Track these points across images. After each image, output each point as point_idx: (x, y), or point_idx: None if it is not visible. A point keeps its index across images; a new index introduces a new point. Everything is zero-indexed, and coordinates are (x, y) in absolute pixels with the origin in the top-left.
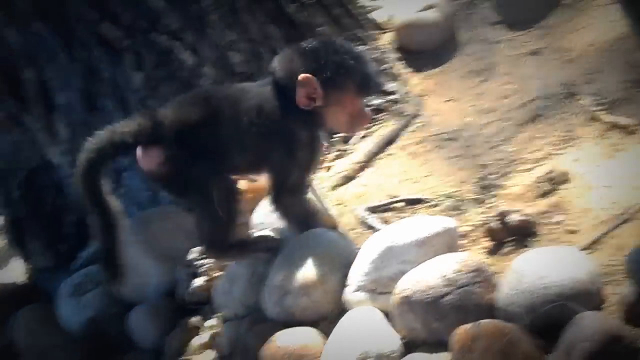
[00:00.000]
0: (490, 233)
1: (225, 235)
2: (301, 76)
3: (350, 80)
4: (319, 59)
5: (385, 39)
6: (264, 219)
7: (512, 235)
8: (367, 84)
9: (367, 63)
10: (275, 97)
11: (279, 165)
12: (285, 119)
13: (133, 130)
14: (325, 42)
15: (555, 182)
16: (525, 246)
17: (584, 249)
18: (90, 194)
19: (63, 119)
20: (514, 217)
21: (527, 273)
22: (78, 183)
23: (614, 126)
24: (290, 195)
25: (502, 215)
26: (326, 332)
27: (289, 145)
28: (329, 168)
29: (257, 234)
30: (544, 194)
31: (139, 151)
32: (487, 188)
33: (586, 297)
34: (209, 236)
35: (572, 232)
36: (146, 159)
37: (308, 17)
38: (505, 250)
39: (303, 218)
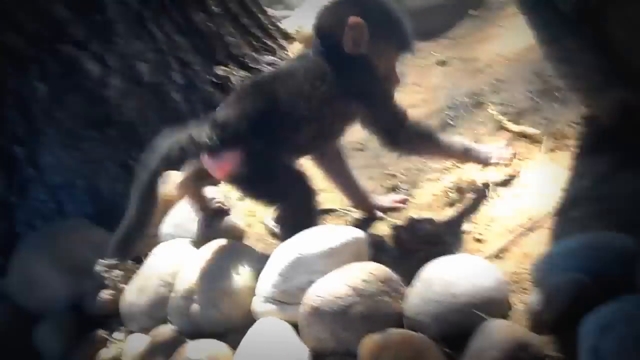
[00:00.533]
0: (400, 243)
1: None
2: (351, 19)
3: (394, 34)
4: (367, 7)
5: (295, 49)
6: (174, 230)
7: (422, 245)
8: (407, 42)
9: (407, 24)
10: (324, 53)
11: (370, 104)
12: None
13: (202, 138)
14: None
15: (463, 191)
16: (435, 255)
17: (491, 257)
18: (146, 202)
19: None
20: (423, 226)
21: (435, 282)
22: (138, 189)
23: (521, 135)
24: (403, 129)
25: (411, 224)
26: (234, 345)
27: (362, 84)
28: None
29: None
30: (452, 204)
31: (208, 161)
32: None
33: (493, 305)
34: (301, 221)
35: (479, 240)
36: (221, 165)
37: (216, 27)
38: (415, 259)
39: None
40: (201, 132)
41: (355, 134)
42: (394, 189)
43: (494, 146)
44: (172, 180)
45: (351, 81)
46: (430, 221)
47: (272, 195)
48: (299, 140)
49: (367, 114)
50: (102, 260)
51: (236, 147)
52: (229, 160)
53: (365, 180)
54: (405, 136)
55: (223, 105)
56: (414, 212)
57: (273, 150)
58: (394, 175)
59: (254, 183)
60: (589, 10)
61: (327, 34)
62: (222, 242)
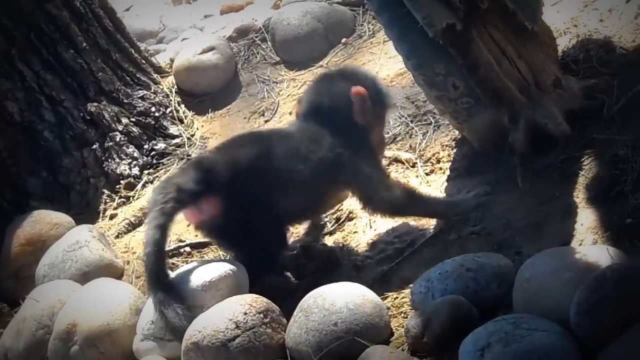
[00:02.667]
0: (297, 267)
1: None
2: (355, 89)
3: (385, 101)
4: (362, 77)
5: (168, 82)
6: (49, 270)
7: (319, 266)
8: (390, 99)
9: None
10: (323, 123)
11: (358, 178)
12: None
13: (189, 185)
14: (353, 67)
15: (342, 219)
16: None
17: (370, 284)
18: (157, 269)
19: None
20: (317, 249)
21: (315, 311)
22: (149, 251)
23: (396, 160)
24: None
25: (306, 248)
26: None
27: (355, 157)
28: (112, 216)
29: None
30: (331, 232)
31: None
32: None
33: (374, 331)
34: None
35: (358, 267)
36: (196, 211)
37: (87, 63)
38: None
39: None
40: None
41: None
42: None
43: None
44: (44, 220)
45: (348, 149)
46: (323, 244)
47: (242, 249)
48: (286, 205)
49: (356, 182)
50: None
51: (216, 194)
52: (206, 207)
53: None
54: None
55: (213, 149)
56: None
57: (257, 209)
58: None
59: (229, 237)
60: (455, 33)
61: (325, 104)
62: (101, 280)
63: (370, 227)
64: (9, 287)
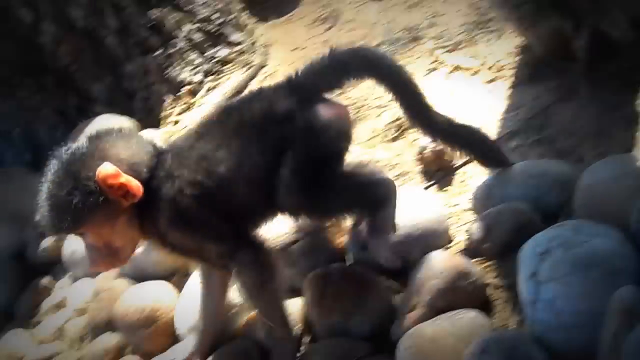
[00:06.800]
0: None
1: None
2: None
3: None
4: None
5: None
6: None
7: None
8: None
9: None
10: None
11: None
12: None
13: None
14: None
15: (403, 127)
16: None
17: (429, 187)
18: None
19: None
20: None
21: None
22: None
23: (458, 68)
24: None
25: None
26: (179, 287)
27: None
28: (176, 122)
29: None
30: (394, 139)
31: None
32: None
33: (434, 236)
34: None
35: (422, 173)
36: None
37: None
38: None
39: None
40: None
41: None
42: None
43: None
44: (108, 125)
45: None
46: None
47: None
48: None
49: None
50: None
51: None
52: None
53: None
54: None
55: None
56: (357, 147)
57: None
58: None
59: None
60: None
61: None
62: None
63: None
64: None
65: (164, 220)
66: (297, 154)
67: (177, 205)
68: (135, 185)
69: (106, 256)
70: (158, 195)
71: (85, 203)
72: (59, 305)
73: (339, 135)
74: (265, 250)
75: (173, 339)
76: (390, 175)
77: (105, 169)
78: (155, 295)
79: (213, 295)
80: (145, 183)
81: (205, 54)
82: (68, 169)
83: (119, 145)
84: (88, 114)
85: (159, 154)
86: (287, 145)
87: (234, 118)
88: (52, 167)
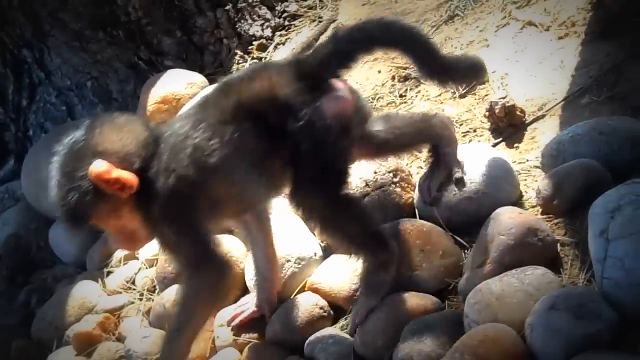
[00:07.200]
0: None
1: None
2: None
3: None
4: None
5: None
6: None
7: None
8: None
9: None
10: None
11: None
12: None
13: None
14: None
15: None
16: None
17: (498, 143)
18: None
19: None
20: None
21: None
22: None
23: (529, 24)
24: None
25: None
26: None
27: None
28: None
29: None
30: (464, 95)
31: None
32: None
33: (503, 192)
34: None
35: (490, 129)
36: None
37: None
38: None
39: None
40: None
41: None
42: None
43: None
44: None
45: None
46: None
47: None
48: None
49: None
50: None
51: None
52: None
53: (375, 73)
54: None
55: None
56: (426, 103)
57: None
58: (404, 68)
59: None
60: None
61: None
62: None
63: (504, 88)
64: None
65: (157, 208)
66: (301, 151)
67: (170, 193)
68: (129, 177)
69: (125, 239)
70: (153, 183)
71: (85, 201)
72: (129, 257)
73: (341, 134)
74: (226, 274)
75: (243, 290)
76: (459, 131)
77: (97, 167)
78: (225, 249)
79: (261, 246)
80: (141, 171)
81: (276, 9)
82: (64, 170)
83: (111, 138)
84: (158, 68)
85: (155, 138)
86: (288, 138)
87: (232, 99)
88: (52, 166)
